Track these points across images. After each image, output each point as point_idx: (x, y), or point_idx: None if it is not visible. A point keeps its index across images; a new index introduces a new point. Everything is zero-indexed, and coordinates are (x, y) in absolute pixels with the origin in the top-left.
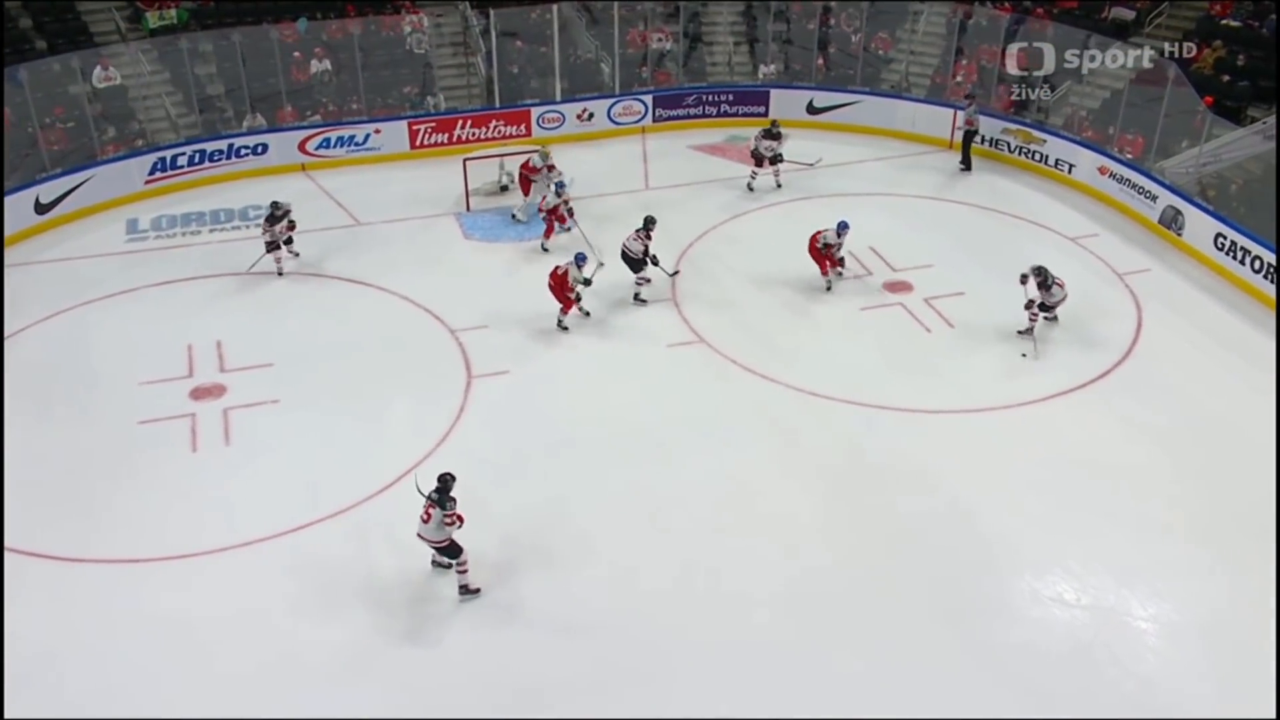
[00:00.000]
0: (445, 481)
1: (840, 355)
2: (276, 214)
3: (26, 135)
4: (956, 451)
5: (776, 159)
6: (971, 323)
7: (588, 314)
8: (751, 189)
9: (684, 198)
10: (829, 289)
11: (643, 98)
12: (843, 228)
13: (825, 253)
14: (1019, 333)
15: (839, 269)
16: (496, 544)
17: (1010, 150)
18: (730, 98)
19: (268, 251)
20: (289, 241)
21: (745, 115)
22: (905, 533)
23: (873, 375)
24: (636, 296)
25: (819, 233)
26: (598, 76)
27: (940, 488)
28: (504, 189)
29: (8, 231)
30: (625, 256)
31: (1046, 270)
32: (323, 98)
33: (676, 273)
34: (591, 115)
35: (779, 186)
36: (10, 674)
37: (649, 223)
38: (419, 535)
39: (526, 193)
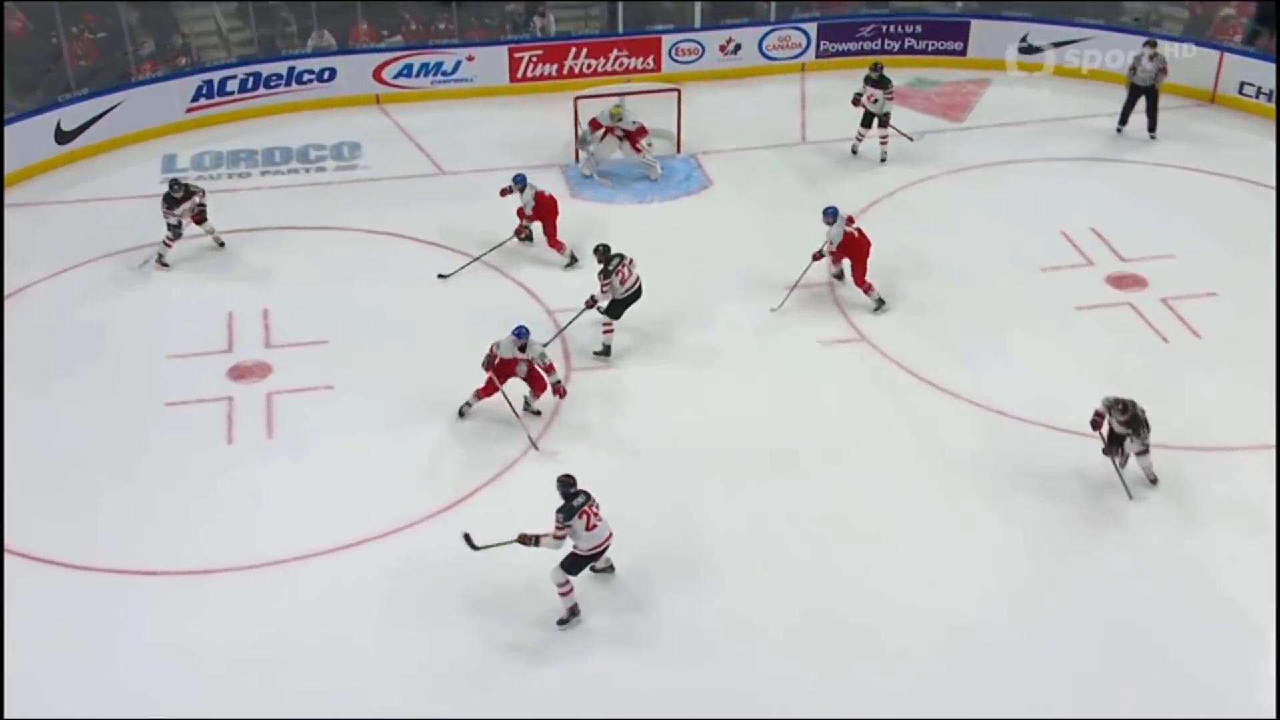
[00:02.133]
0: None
1: (1041, 366)
2: (175, 194)
3: (50, 46)
4: (1192, 501)
5: (884, 119)
6: (1225, 333)
7: (536, 412)
8: (855, 153)
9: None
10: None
11: (804, 26)
12: (830, 214)
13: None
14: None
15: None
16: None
17: None
18: (918, 29)
19: (173, 237)
20: (202, 219)
21: (937, 53)
22: (1115, 598)
23: (1082, 394)
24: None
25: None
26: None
27: (1164, 546)
28: (585, 142)
29: (21, 163)
30: (635, 293)
31: (1134, 406)
32: (406, 14)
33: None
34: (738, 47)
35: (884, 160)
36: None
37: (602, 252)
38: (596, 550)
39: (636, 148)
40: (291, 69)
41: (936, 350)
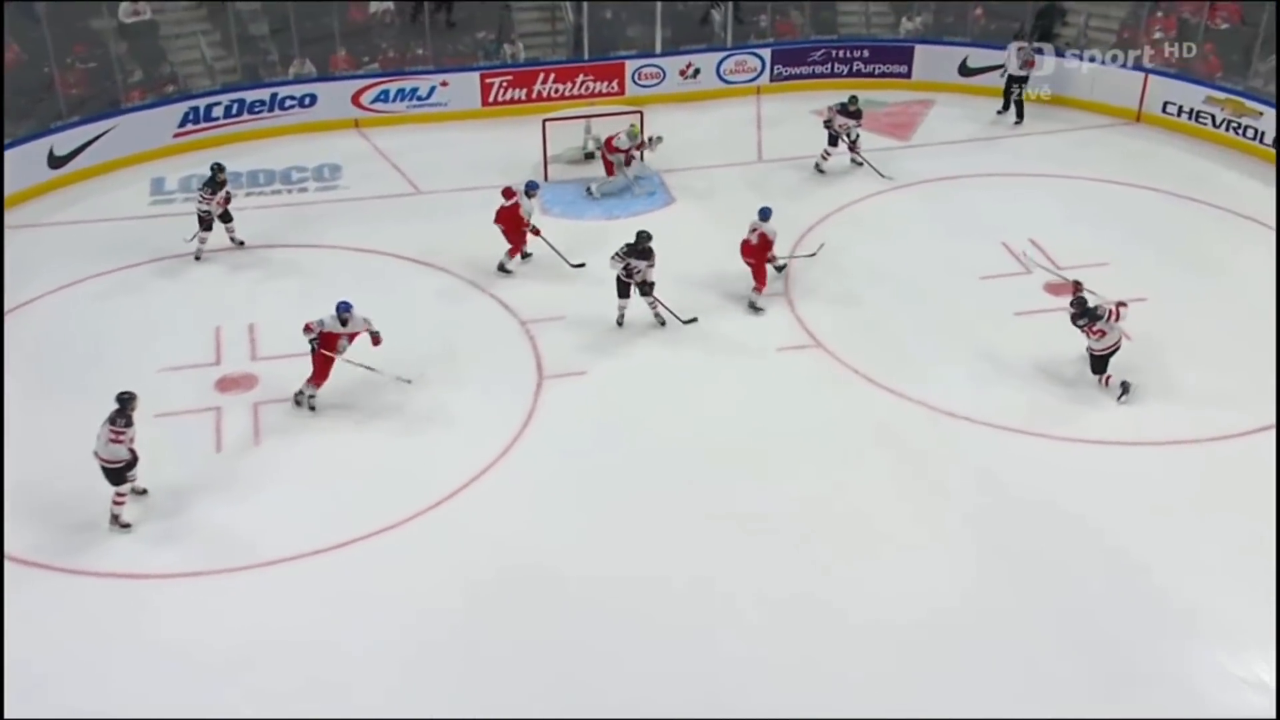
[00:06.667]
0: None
1: (985, 368)
2: (219, 178)
3: (42, 76)
4: (1126, 491)
5: (853, 143)
6: (1155, 336)
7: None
8: (821, 170)
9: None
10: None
11: (759, 52)
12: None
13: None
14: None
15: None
16: (562, 566)
17: (1216, 124)
18: (865, 54)
19: (203, 229)
20: (227, 219)
21: (883, 75)
22: (1054, 583)
23: (1024, 394)
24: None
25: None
26: (707, 26)
27: (1100, 533)
28: (589, 156)
29: (17, 187)
30: (630, 282)
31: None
32: (382, 42)
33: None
34: (697, 72)
35: (857, 164)
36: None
37: (643, 240)
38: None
39: (610, 173)
40: (274, 95)
41: (887, 355)
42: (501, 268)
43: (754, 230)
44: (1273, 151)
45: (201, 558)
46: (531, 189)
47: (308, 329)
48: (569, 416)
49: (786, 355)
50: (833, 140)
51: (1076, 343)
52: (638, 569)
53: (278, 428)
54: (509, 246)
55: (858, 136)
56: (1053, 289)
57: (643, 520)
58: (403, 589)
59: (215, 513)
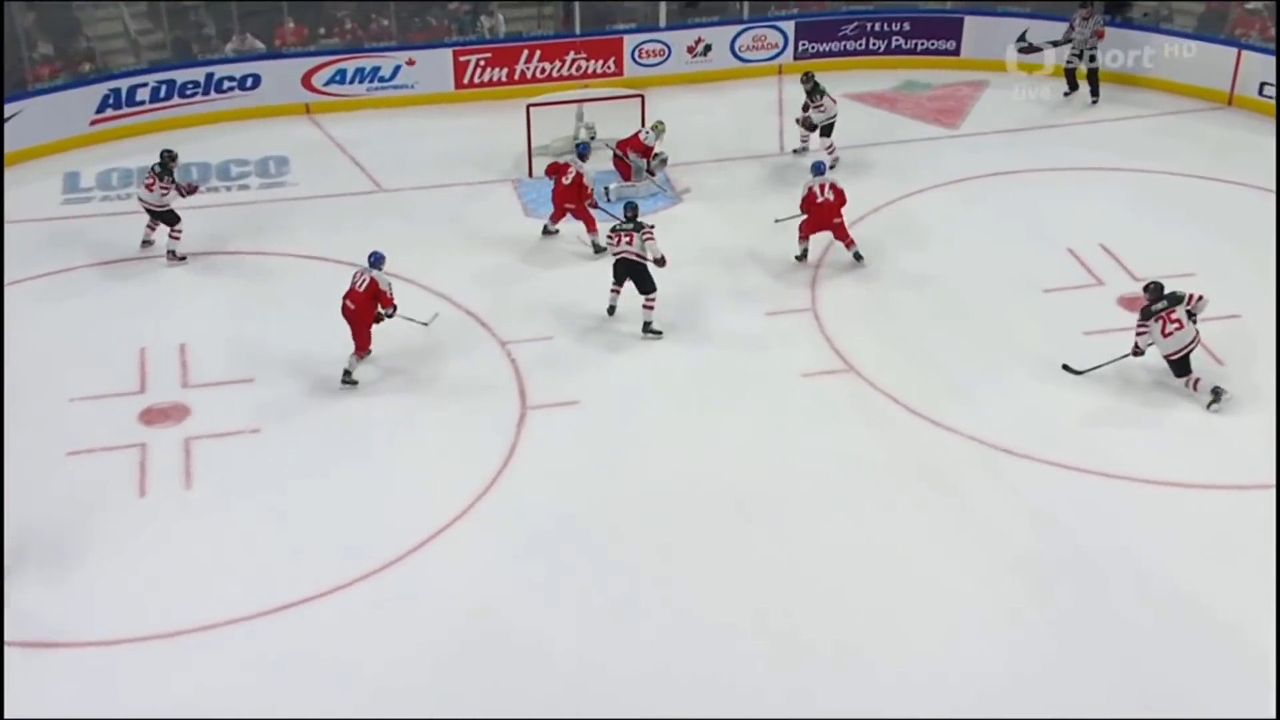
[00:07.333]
0: None
1: (1046, 397)
2: (171, 164)
3: None
4: (1212, 542)
5: (827, 129)
6: (1251, 359)
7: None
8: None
9: (836, 168)
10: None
11: (781, 25)
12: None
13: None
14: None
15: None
16: (562, 634)
17: None
18: (906, 27)
19: (170, 224)
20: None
21: (927, 52)
22: (1132, 648)
23: (1089, 427)
24: (648, 327)
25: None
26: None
27: (1182, 590)
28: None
29: None
30: (626, 264)
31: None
32: (339, 13)
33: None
34: (708, 48)
35: (833, 166)
36: None
37: (631, 211)
38: None
39: (626, 176)
40: (210, 75)
41: (932, 381)
42: (596, 247)
43: (822, 187)
44: None
45: (117, 623)
46: (584, 152)
47: (388, 303)
48: (557, 454)
49: (813, 381)
50: (806, 124)
51: (1153, 367)
52: (637, 634)
53: (212, 468)
54: (566, 224)
55: (830, 125)
56: (1127, 303)
57: (644, 577)
58: (351, 660)
59: (134, 568)
